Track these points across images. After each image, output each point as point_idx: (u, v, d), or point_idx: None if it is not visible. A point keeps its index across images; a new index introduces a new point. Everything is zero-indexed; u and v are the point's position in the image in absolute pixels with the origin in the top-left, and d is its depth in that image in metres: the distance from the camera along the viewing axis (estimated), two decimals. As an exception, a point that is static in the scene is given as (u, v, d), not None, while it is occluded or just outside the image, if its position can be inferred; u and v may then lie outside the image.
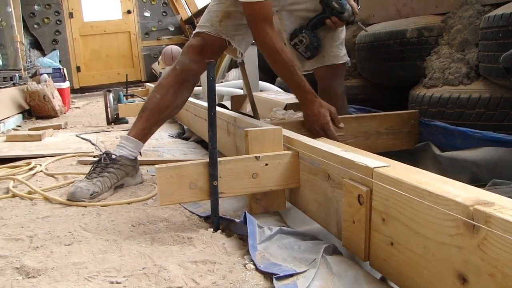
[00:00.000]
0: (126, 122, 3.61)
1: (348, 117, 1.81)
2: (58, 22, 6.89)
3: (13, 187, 1.76)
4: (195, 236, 1.22)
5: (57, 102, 4.54)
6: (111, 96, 3.48)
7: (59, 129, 3.55)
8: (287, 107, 2.39)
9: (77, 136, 2.97)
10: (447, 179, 0.91)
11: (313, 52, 1.76)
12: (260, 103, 2.59)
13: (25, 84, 4.92)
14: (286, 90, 2.91)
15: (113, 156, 1.68)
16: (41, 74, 4.72)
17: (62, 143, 2.72)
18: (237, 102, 2.66)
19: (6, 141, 2.74)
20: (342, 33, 1.90)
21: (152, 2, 7.41)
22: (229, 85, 3.50)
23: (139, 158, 2.18)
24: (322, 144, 1.23)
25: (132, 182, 1.76)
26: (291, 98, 2.43)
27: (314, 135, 1.56)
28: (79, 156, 2.37)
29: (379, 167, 0.96)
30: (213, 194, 1.27)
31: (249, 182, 1.30)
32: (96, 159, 1.72)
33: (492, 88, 1.66)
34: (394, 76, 2.13)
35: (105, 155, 1.69)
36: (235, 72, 4.05)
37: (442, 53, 1.88)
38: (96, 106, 5.39)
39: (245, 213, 1.20)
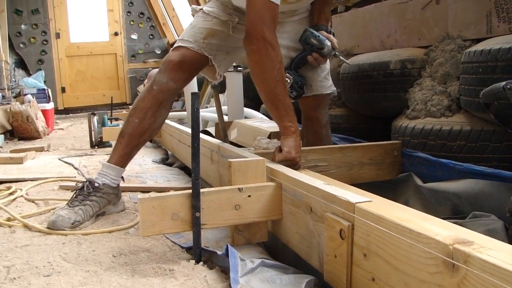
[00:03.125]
0: (110, 146, 3.58)
1: (331, 148, 1.82)
2: (44, 42, 6.86)
3: (-9, 213, 1.73)
4: (176, 268, 1.20)
5: (40, 123, 4.50)
6: (95, 119, 3.46)
7: (41, 151, 3.50)
8: (271, 135, 2.40)
9: (59, 159, 2.93)
10: (428, 216, 0.92)
11: (298, 91, 1.77)
12: (244, 130, 2.61)
13: (8, 104, 4.86)
14: (270, 117, 2.93)
15: (96, 184, 1.66)
16: (25, 95, 4.68)
17: (44, 167, 2.68)
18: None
19: (-14, 163, 2.69)
20: (328, 63, 1.93)
21: (140, 25, 7.45)
22: (214, 111, 3.50)
23: (122, 184, 2.16)
24: (305, 177, 1.23)
25: (114, 210, 1.73)
26: (274, 126, 2.44)
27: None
28: (61, 180, 2.33)
29: (360, 202, 0.97)
30: (195, 226, 1.25)
31: (232, 214, 1.29)
32: (79, 185, 1.69)
33: (473, 121, 1.70)
34: (377, 106, 2.16)
35: (88, 182, 1.66)
36: (222, 98, 4.07)
37: (424, 85, 1.92)
38: (80, 128, 5.34)
39: (227, 245, 1.19)
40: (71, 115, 6.78)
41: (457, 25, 1.86)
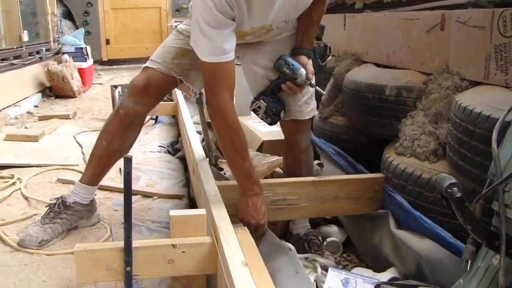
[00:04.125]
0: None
1: (303, 181, 1.75)
2: (90, -5, 6.96)
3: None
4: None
5: (75, 83, 4.67)
6: (117, 92, 3.53)
7: (66, 119, 3.67)
8: (263, 144, 2.36)
9: (74, 137, 3.06)
10: None
11: (273, 118, 1.69)
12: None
13: (54, 55, 5.07)
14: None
15: (67, 203, 1.73)
16: (64, 53, 4.83)
17: (55, 147, 2.82)
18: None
19: (5, 139, 2.87)
20: (310, 88, 1.81)
21: (186, -22, 7.31)
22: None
23: (107, 183, 2.24)
24: (227, 246, 1.20)
25: (87, 224, 1.82)
26: (271, 132, 2.38)
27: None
28: (63, 169, 2.46)
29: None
30: (127, 278, 1.29)
31: (165, 267, 1.31)
32: (52, 201, 1.77)
33: (455, 173, 1.56)
34: (372, 129, 2.04)
35: (60, 200, 1.74)
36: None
37: (416, 120, 1.77)
38: (119, 83, 5.48)
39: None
40: (114, 66, 6.97)
41: (457, 59, 1.66)
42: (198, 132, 2.40)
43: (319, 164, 2.28)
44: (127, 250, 1.27)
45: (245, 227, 1.37)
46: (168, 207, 2.02)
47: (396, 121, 1.87)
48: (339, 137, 2.35)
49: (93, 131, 3.27)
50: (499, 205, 1.03)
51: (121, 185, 2.26)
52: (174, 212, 1.35)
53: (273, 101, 1.70)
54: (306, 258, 1.78)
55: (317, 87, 1.69)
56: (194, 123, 2.54)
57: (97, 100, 4.57)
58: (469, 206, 1.07)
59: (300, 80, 1.62)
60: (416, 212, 1.59)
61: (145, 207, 2.03)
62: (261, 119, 1.74)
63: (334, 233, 2.03)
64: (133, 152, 2.63)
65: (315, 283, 1.61)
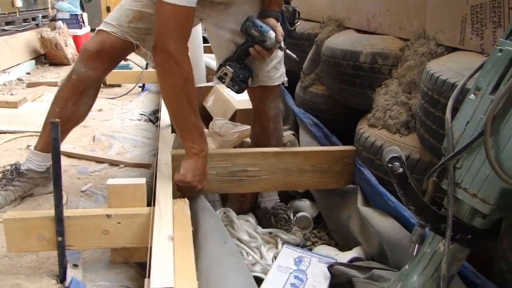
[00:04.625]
0: (119, 86, 3.60)
1: (265, 152, 1.65)
2: (91, -41, 6.78)
3: None
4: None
5: (70, 50, 4.59)
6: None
7: (54, 86, 3.60)
8: (237, 113, 2.25)
9: (55, 104, 2.98)
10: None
11: (240, 85, 1.58)
12: (218, 100, 2.46)
13: (50, 22, 4.97)
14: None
15: (21, 170, 1.67)
16: (58, 20, 4.73)
17: (34, 115, 2.74)
18: (200, 94, 2.54)
19: (-17, 105, 2.82)
20: (279, 53, 1.69)
21: None
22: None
23: (75, 151, 2.18)
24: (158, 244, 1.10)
25: (43, 191, 1.75)
26: (247, 100, 2.26)
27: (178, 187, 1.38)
28: (36, 136, 2.39)
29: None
30: (59, 248, 1.23)
31: (100, 238, 1.25)
32: (6, 168, 1.71)
33: (424, 147, 1.44)
34: (347, 99, 1.92)
35: (14, 167, 1.68)
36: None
37: (390, 89, 1.65)
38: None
39: (72, 278, 1.17)
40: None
41: (434, 23, 1.52)
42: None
43: (294, 135, 2.18)
44: (58, 219, 1.20)
45: (186, 198, 1.29)
46: (133, 175, 1.95)
47: (370, 90, 1.75)
48: (318, 107, 2.24)
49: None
50: (448, 183, 0.92)
51: (90, 153, 2.22)
52: (111, 181, 1.28)
53: (240, 67, 1.59)
54: (270, 233, 1.70)
55: (288, 50, 1.57)
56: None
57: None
58: (413, 184, 0.96)
59: (269, 43, 1.51)
60: (381, 188, 1.48)
61: (109, 176, 1.96)
62: (228, 87, 1.64)
63: (306, 208, 1.94)
64: (112, 119, 2.54)
65: (273, 259, 1.53)
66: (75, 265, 1.29)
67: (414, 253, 1.00)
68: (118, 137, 2.43)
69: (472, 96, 0.89)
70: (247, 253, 1.51)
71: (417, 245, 1.00)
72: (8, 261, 1.35)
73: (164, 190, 1.29)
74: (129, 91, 3.33)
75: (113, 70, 3.27)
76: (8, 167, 1.71)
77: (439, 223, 0.92)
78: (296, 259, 1.37)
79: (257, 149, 1.67)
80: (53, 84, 3.62)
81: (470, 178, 0.87)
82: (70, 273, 1.26)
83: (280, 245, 1.62)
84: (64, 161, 2.15)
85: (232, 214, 1.64)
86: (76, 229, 1.23)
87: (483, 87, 0.86)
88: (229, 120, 2.15)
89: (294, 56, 1.60)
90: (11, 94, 3.36)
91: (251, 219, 1.70)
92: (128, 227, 1.24)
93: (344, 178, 1.71)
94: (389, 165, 0.93)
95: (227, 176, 1.63)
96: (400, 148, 1.49)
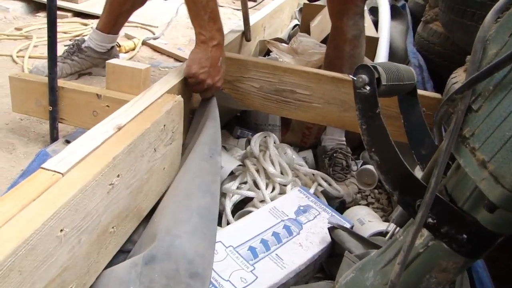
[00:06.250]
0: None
1: (320, 74, 1.32)
2: None
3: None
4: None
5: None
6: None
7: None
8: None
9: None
10: None
11: None
12: (322, 20, 2.11)
13: None
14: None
15: (81, 46, 1.66)
16: None
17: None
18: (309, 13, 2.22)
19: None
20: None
21: None
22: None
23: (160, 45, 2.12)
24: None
25: (101, 73, 1.73)
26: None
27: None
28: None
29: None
30: (50, 118, 1.17)
31: (90, 118, 1.16)
32: (72, 42, 1.72)
33: None
34: (455, 35, 1.43)
35: (76, 42, 1.68)
36: None
37: None
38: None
39: (40, 151, 1.10)
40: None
41: None
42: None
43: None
44: (50, 87, 1.13)
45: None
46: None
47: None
48: (432, 48, 1.76)
49: None
50: (449, 131, 0.53)
51: (175, 51, 2.15)
52: (111, 61, 1.15)
53: None
54: (313, 175, 1.40)
55: None
56: None
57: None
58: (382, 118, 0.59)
59: None
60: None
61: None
62: None
63: (376, 162, 1.57)
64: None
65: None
66: (67, 141, 1.22)
67: (387, 237, 0.65)
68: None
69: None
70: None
71: (394, 226, 0.64)
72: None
73: (167, 80, 1.11)
74: None
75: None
76: (74, 41, 1.72)
77: (413, 195, 0.55)
78: (301, 208, 1.07)
79: (310, 68, 1.35)
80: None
81: (485, 133, 0.48)
82: (57, 147, 1.20)
83: (312, 189, 1.33)
84: (147, 52, 2.13)
85: (271, 139, 1.39)
86: (68, 103, 1.16)
87: None
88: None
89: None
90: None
91: (289, 151, 1.42)
92: (115, 112, 1.11)
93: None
94: (353, 78, 0.58)
95: (272, 93, 1.37)
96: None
